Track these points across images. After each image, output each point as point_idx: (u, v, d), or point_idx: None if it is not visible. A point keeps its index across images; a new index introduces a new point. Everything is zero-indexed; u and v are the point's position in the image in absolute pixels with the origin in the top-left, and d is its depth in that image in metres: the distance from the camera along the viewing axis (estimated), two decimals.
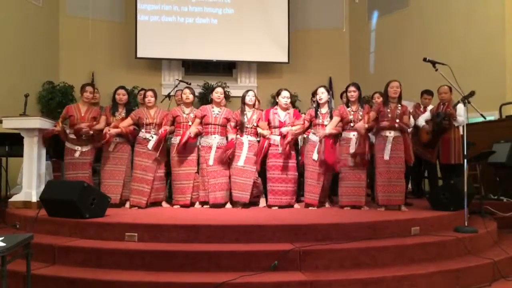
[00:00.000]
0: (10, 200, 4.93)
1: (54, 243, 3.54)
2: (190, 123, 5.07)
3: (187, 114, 5.14)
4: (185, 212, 4.62)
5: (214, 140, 5.01)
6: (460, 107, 5.10)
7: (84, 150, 5.01)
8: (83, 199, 3.96)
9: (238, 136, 5.05)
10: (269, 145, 4.98)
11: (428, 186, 6.34)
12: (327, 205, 5.10)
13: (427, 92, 6.09)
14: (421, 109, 6.00)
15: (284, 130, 4.92)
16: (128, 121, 5.08)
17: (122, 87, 5.28)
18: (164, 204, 5.16)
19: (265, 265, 3.22)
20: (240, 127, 5.03)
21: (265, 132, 5.00)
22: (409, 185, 6.48)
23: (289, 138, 4.84)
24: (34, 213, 4.14)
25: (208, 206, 5.02)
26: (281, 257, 3.25)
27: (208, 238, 3.55)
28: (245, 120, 5.04)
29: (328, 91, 5.09)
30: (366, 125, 4.79)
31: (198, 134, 5.09)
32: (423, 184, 6.56)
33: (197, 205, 5.07)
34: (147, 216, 4.23)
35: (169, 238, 3.57)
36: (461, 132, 5.39)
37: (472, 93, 4.44)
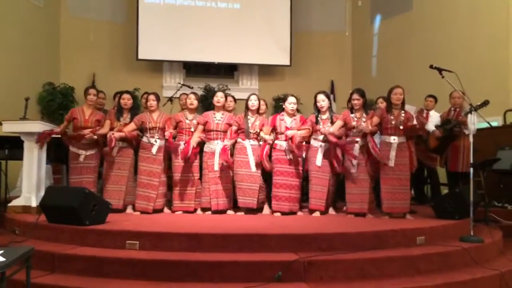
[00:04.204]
0: (9, 204, 4.86)
1: (54, 251, 3.48)
2: (192, 129, 5.01)
3: (190, 120, 5.07)
4: (187, 219, 4.55)
5: (217, 146, 4.95)
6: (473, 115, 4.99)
7: (88, 154, 4.97)
8: (83, 206, 3.89)
9: (240, 140, 4.98)
10: (270, 150, 4.91)
11: (430, 192, 6.29)
12: (331, 211, 5.05)
13: (430, 96, 6.07)
14: (424, 114, 5.95)
15: (289, 133, 4.84)
16: (132, 126, 5.01)
17: (127, 92, 5.23)
18: (165, 209, 5.10)
19: (269, 276, 3.16)
20: (245, 132, 4.96)
21: (267, 137, 4.92)
22: (412, 191, 6.44)
23: (298, 139, 4.74)
24: (34, 219, 4.09)
25: (209, 212, 4.96)
26: (285, 268, 3.19)
27: (211, 247, 3.48)
28: (248, 125, 4.98)
29: (328, 97, 5.04)
30: (370, 127, 4.75)
31: (201, 142, 5.03)
32: (426, 190, 6.51)
33: (198, 211, 5.01)
34: (149, 223, 4.17)
35: (171, 247, 3.51)
36: (471, 140, 5.32)
37: (486, 103, 4.36)
